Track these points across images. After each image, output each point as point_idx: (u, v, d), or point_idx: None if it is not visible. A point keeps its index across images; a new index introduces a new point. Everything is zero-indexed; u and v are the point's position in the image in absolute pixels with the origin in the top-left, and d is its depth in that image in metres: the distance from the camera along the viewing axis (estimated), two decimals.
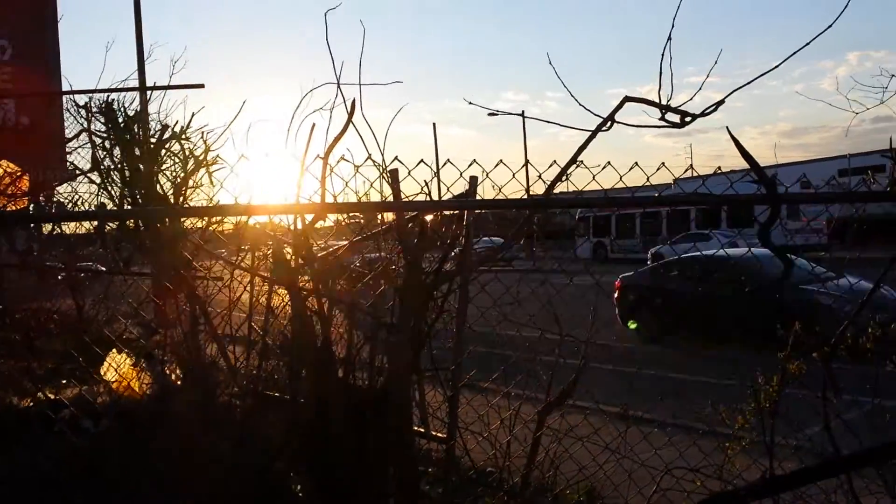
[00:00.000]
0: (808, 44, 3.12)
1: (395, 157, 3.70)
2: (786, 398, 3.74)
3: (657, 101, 3.21)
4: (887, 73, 3.30)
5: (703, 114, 3.28)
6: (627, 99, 3.42)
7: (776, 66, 3.25)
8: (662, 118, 3.26)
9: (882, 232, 4.33)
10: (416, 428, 4.28)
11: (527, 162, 3.86)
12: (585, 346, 4.36)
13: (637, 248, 35.82)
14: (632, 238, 37.40)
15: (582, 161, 3.61)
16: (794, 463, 3.72)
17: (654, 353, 5.19)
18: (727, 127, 3.06)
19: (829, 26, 3.07)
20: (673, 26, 3.18)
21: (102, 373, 5.46)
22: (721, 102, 3.29)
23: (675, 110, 3.25)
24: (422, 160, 3.66)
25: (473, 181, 4.22)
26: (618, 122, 3.41)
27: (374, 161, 3.60)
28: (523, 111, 56.91)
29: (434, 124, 75.59)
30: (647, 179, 3.94)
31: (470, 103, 4.15)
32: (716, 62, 3.46)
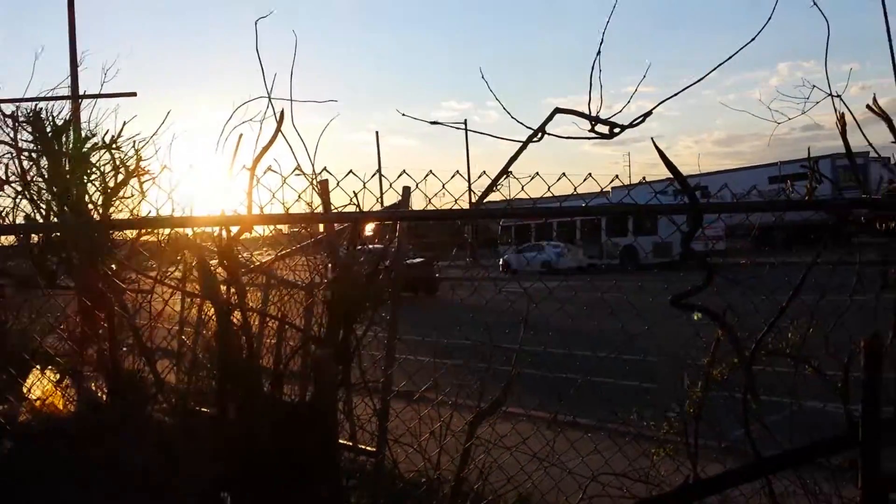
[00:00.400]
0: (731, 57, 3.26)
1: (324, 168, 3.67)
2: (711, 402, 3.83)
3: (588, 112, 3.29)
4: (809, 84, 3.45)
5: (630, 125, 3.36)
6: (558, 110, 3.48)
7: (702, 78, 3.38)
8: (592, 129, 3.34)
9: (801, 237, 4.51)
10: (344, 441, 4.24)
11: (460, 174, 3.88)
12: (516, 355, 4.39)
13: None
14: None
15: (511, 172, 3.65)
16: (720, 466, 3.80)
17: (586, 359, 5.29)
18: (652, 138, 3.15)
19: (752, 39, 3.25)
20: (602, 41, 3.27)
21: (25, 391, 5.27)
22: (649, 113, 3.38)
23: (604, 122, 3.33)
24: (351, 171, 3.63)
25: (406, 191, 4.22)
26: (548, 134, 3.46)
27: (303, 172, 3.57)
28: (465, 121, 57.48)
29: (377, 133, 75.28)
30: (574, 190, 4.00)
31: (403, 115, 4.13)
32: (644, 76, 3.60)
